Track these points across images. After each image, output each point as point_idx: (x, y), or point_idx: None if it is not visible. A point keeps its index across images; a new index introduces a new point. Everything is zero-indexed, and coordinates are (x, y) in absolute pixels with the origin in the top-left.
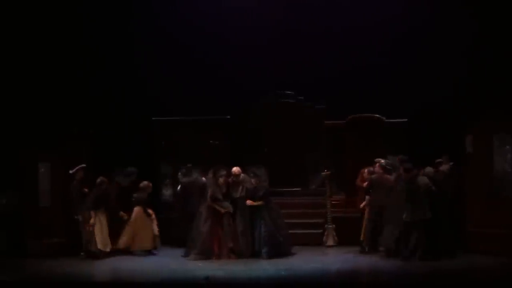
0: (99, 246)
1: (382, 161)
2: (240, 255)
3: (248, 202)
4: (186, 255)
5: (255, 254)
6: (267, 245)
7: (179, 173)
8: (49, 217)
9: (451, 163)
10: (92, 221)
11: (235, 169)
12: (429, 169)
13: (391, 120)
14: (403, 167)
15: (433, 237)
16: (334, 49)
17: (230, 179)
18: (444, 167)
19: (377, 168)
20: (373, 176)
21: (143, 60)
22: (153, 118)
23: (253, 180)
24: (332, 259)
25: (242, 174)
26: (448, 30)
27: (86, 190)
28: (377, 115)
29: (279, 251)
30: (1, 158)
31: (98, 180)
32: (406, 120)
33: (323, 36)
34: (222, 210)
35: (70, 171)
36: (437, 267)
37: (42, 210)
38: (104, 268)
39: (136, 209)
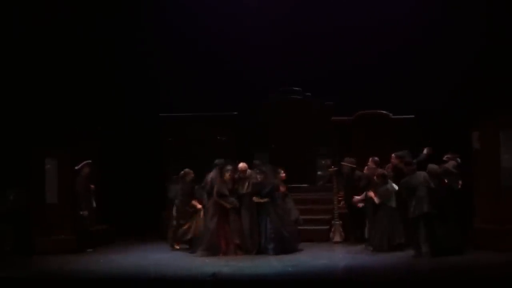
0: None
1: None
2: (247, 251)
3: (254, 198)
4: (193, 251)
5: (261, 251)
6: (273, 241)
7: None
8: (56, 214)
9: (458, 160)
10: (199, 206)
11: (241, 165)
12: (432, 166)
13: (398, 116)
14: (404, 162)
15: (439, 233)
16: (341, 46)
17: (236, 175)
18: (449, 164)
19: (370, 163)
20: (367, 172)
21: (150, 57)
22: (160, 114)
23: (258, 177)
24: (339, 255)
25: (248, 170)
26: (455, 26)
27: (92, 186)
28: (384, 111)
29: (285, 247)
30: (8, 155)
31: (182, 172)
32: (413, 116)
33: (330, 33)
34: (228, 206)
35: (76, 167)
36: (444, 263)
37: (49, 207)
38: (110, 265)
39: None
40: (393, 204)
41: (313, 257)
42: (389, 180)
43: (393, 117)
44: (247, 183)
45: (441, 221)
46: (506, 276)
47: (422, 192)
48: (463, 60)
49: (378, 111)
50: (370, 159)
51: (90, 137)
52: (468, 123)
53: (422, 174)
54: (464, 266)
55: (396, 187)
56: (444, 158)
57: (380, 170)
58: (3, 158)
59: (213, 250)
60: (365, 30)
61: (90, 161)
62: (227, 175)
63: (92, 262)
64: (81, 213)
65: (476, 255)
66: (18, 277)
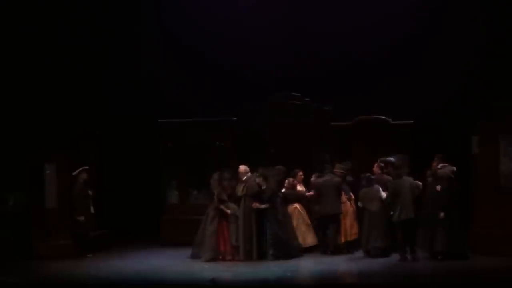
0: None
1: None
2: (245, 255)
3: (255, 205)
4: (192, 256)
5: (262, 256)
6: (272, 247)
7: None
8: (55, 218)
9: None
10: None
11: (241, 167)
12: (443, 170)
13: (397, 122)
14: (392, 166)
15: (445, 237)
16: (341, 50)
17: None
18: (448, 169)
19: (376, 168)
20: (373, 177)
21: (150, 61)
22: (159, 120)
23: (257, 179)
24: (339, 260)
25: (248, 174)
26: (454, 30)
27: (90, 192)
28: (383, 117)
29: (285, 253)
30: (7, 159)
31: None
32: (412, 121)
33: (329, 37)
34: (229, 211)
35: (73, 173)
36: (443, 268)
37: (48, 212)
38: (109, 269)
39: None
40: (372, 207)
41: (312, 262)
42: (375, 185)
43: (392, 122)
44: (243, 186)
45: (448, 226)
46: (505, 281)
47: (408, 198)
48: (462, 65)
49: (377, 116)
50: (376, 164)
51: (89, 142)
52: (467, 128)
53: (408, 180)
54: (463, 270)
55: (383, 192)
56: (439, 166)
57: (367, 174)
58: (2, 162)
59: (212, 254)
60: (364, 34)
61: (87, 167)
62: (225, 183)
63: (91, 267)
64: (78, 218)
65: (474, 259)
66: (17, 281)
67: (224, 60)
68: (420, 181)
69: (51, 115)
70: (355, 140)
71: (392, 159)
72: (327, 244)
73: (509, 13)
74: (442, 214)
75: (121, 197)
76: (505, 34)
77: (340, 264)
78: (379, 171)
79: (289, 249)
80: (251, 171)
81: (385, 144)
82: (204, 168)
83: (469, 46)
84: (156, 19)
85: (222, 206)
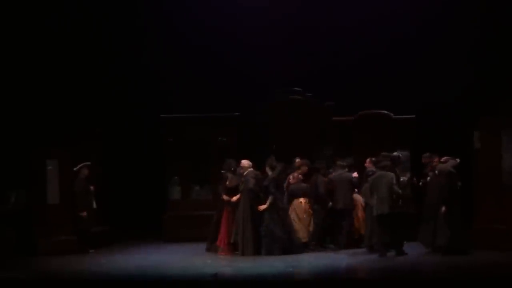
0: None
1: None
2: (243, 251)
3: (260, 207)
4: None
5: (257, 252)
6: (265, 242)
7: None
8: (57, 214)
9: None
10: None
11: (243, 161)
12: (443, 165)
13: (399, 116)
14: (372, 161)
15: (446, 232)
16: (342, 46)
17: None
18: (449, 164)
19: (368, 164)
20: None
21: (152, 57)
22: (161, 115)
23: (267, 168)
24: (341, 255)
25: (250, 169)
26: (456, 25)
27: (92, 187)
28: (385, 111)
29: (283, 248)
30: (9, 156)
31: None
32: (414, 116)
33: (331, 32)
34: (235, 199)
35: (74, 169)
36: (445, 263)
37: (50, 208)
38: (111, 265)
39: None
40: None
41: (314, 257)
42: None
43: (394, 117)
44: (241, 181)
45: (449, 221)
46: (506, 276)
47: (384, 193)
48: (465, 60)
49: (379, 111)
50: (368, 159)
51: (91, 138)
52: (469, 123)
53: (389, 175)
54: (464, 266)
55: None
56: (442, 160)
57: (369, 169)
58: (4, 159)
59: (213, 247)
60: (366, 29)
61: (89, 162)
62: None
63: (93, 263)
64: (80, 214)
65: (476, 255)
66: (20, 278)
67: (226, 55)
68: (420, 176)
69: (52, 112)
70: (357, 135)
71: (395, 154)
72: (340, 238)
73: (509, 11)
74: (443, 208)
75: (123, 193)
76: (507, 29)
77: (343, 259)
78: (372, 166)
79: (288, 245)
80: (254, 166)
81: (387, 139)
82: (206, 164)
83: (472, 41)
84: (158, 14)
85: (226, 197)
